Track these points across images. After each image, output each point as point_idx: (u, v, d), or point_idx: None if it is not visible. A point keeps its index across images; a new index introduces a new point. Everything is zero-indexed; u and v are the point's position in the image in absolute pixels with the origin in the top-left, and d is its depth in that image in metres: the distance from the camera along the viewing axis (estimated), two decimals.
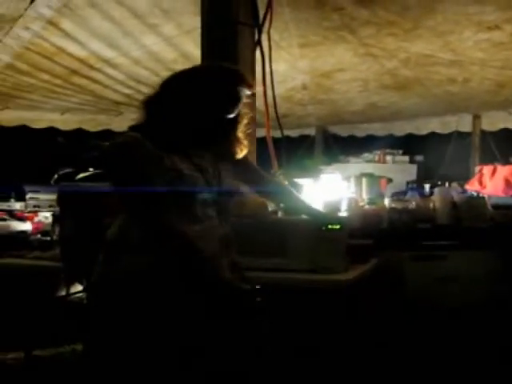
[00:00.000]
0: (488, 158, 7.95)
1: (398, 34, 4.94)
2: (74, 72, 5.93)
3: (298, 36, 5.03)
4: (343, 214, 3.88)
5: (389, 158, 8.74)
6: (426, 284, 3.72)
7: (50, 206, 5.80)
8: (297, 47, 5.31)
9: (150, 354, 2.12)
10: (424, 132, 9.06)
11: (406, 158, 8.78)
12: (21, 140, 8.76)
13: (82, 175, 5.08)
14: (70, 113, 8.00)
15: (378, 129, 9.37)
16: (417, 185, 5.67)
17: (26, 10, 4.39)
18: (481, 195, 5.45)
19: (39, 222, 5.10)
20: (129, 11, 4.53)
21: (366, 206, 4.20)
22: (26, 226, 5.22)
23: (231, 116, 2.37)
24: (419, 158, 8.83)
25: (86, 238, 3.12)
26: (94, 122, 8.47)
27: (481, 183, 6.60)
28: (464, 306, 3.62)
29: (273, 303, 2.33)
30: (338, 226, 2.93)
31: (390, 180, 5.16)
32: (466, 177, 7.21)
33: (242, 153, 2.51)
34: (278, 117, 4.13)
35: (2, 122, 7.85)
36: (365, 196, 4.62)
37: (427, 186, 4.99)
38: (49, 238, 4.26)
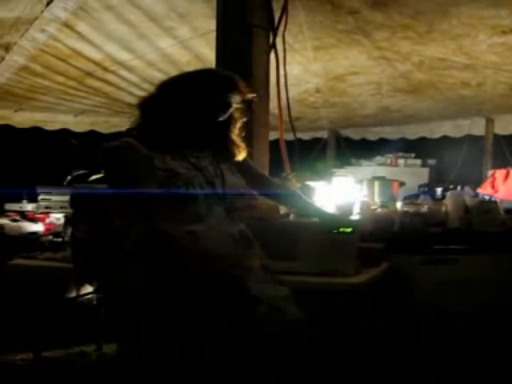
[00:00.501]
0: (501, 162, 7.91)
1: (412, 38, 4.94)
2: (89, 74, 5.96)
3: (312, 39, 5.03)
4: (355, 217, 3.88)
5: (401, 161, 8.71)
6: (437, 288, 3.70)
7: (62, 208, 5.82)
8: (311, 50, 5.31)
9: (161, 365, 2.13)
10: (436, 135, 9.02)
11: (418, 161, 8.75)
12: (34, 142, 8.80)
13: (94, 177, 5.10)
14: (84, 115, 8.02)
15: (391, 132, 9.35)
16: (429, 188, 5.66)
17: (42, 12, 4.42)
18: (493, 199, 5.41)
19: (51, 223, 5.12)
20: (144, 14, 4.56)
21: (378, 210, 4.19)
22: (38, 227, 5.25)
23: (220, 119, 2.41)
24: (431, 161, 8.80)
25: (97, 240, 3.13)
26: (106, 124, 8.48)
27: (493, 187, 6.57)
28: (475, 311, 3.60)
29: None
30: (349, 230, 2.93)
31: (402, 183, 5.14)
32: (478, 181, 7.17)
33: (240, 154, 2.54)
34: (291, 120, 4.14)
35: (15, 123, 7.87)
36: (377, 199, 4.61)
37: (439, 190, 4.98)
38: (60, 240, 4.27)
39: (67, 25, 4.71)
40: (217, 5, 3.80)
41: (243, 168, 2.58)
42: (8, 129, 7.85)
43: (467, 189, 5.24)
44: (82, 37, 4.97)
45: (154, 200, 2.13)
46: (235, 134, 2.49)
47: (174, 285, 2.07)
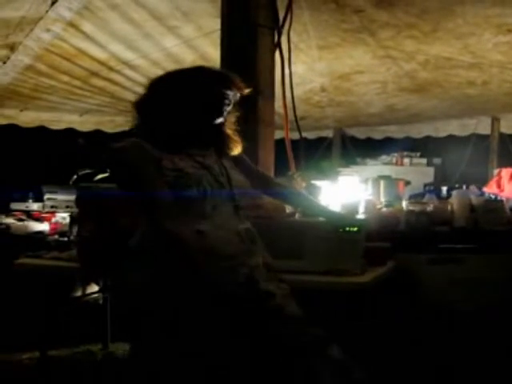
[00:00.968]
0: (507, 161, 7.87)
1: (417, 37, 4.92)
2: (94, 74, 5.97)
3: (316, 38, 5.03)
4: (361, 216, 3.88)
5: (406, 160, 8.70)
6: (442, 287, 3.70)
7: (67, 207, 5.84)
8: (315, 49, 5.31)
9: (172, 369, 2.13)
10: (442, 134, 9.00)
11: (424, 160, 8.73)
12: (39, 141, 8.81)
13: (100, 176, 5.11)
14: (89, 114, 8.03)
15: (396, 131, 9.33)
16: (434, 187, 5.65)
17: (46, 11, 4.43)
18: (499, 198, 5.40)
19: (56, 222, 5.13)
20: (149, 13, 4.55)
21: (384, 209, 4.19)
22: (44, 227, 5.26)
23: (222, 117, 2.41)
24: (437, 160, 8.78)
25: (103, 240, 3.14)
26: (112, 124, 8.49)
27: (499, 186, 6.54)
28: (481, 310, 3.59)
29: None
30: (355, 229, 2.93)
31: (407, 182, 5.14)
32: (484, 179, 7.15)
33: (236, 149, 2.53)
34: (296, 119, 4.14)
35: (21, 123, 7.89)
36: (382, 198, 4.61)
37: (445, 189, 4.97)
38: (66, 239, 4.29)
39: (72, 24, 4.72)
40: (222, 4, 3.80)
41: (244, 168, 2.59)
42: (14, 128, 7.87)
43: (473, 188, 5.22)
44: (86, 36, 4.98)
45: (162, 200, 2.12)
46: (230, 128, 2.49)
47: (181, 284, 2.07)
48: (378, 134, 9.54)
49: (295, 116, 4.14)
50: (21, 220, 5.56)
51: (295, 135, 4.29)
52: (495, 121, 8.46)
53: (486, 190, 6.02)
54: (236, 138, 2.52)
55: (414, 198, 4.77)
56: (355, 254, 2.92)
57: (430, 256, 3.73)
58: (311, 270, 2.91)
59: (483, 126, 8.57)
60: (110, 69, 5.84)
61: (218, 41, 3.82)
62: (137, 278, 2.19)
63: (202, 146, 2.38)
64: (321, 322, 2.76)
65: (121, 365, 4.02)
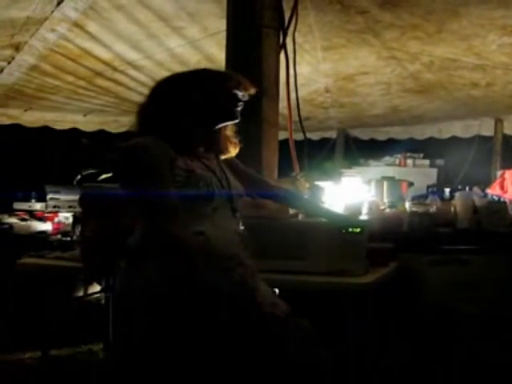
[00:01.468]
0: (510, 163, 7.85)
1: (421, 38, 4.93)
2: (98, 74, 5.98)
3: (321, 39, 5.04)
4: (364, 217, 3.88)
5: (409, 161, 8.68)
6: (445, 288, 3.70)
7: (70, 207, 5.84)
8: (320, 50, 5.32)
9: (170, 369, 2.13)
10: (445, 136, 8.99)
11: (427, 161, 8.71)
12: (43, 141, 8.83)
13: (104, 176, 5.13)
14: (93, 114, 8.04)
15: (399, 132, 9.33)
16: (437, 189, 5.64)
17: (52, 12, 4.44)
18: (502, 200, 5.40)
19: (59, 222, 5.15)
20: (154, 14, 4.56)
21: (387, 210, 4.19)
22: (46, 227, 5.28)
23: (236, 120, 2.40)
24: (440, 161, 8.76)
25: (106, 240, 3.14)
26: (116, 124, 8.50)
27: (502, 188, 6.54)
28: (484, 312, 3.59)
29: (291, 306, 2.35)
30: (358, 230, 2.93)
31: (410, 183, 5.14)
32: (487, 181, 7.14)
33: (234, 150, 2.53)
34: (300, 120, 4.14)
35: (25, 122, 7.90)
36: (385, 199, 4.60)
37: (448, 190, 4.97)
38: (69, 239, 4.30)
39: (77, 24, 4.73)
40: (227, 5, 3.81)
41: (238, 171, 2.58)
42: (18, 128, 7.89)
43: (476, 189, 5.22)
44: (91, 36, 4.99)
45: (171, 201, 2.11)
46: (229, 129, 2.48)
47: (180, 284, 2.07)
48: (381, 135, 9.54)
49: (299, 117, 4.14)
50: (24, 220, 5.57)
51: (299, 136, 4.29)
52: (498, 122, 8.45)
53: (489, 191, 6.02)
54: (235, 140, 2.51)
55: (417, 199, 4.76)
56: (358, 255, 2.93)
57: (432, 257, 3.73)
58: (314, 270, 2.91)
59: (486, 128, 8.56)
60: (115, 69, 5.86)
61: (223, 42, 3.82)
62: (135, 277, 2.18)
63: (206, 148, 2.38)
64: (324, 323, 2.77)
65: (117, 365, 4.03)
